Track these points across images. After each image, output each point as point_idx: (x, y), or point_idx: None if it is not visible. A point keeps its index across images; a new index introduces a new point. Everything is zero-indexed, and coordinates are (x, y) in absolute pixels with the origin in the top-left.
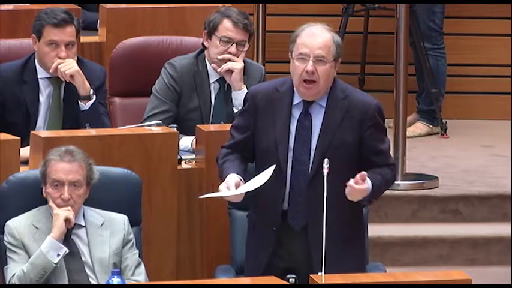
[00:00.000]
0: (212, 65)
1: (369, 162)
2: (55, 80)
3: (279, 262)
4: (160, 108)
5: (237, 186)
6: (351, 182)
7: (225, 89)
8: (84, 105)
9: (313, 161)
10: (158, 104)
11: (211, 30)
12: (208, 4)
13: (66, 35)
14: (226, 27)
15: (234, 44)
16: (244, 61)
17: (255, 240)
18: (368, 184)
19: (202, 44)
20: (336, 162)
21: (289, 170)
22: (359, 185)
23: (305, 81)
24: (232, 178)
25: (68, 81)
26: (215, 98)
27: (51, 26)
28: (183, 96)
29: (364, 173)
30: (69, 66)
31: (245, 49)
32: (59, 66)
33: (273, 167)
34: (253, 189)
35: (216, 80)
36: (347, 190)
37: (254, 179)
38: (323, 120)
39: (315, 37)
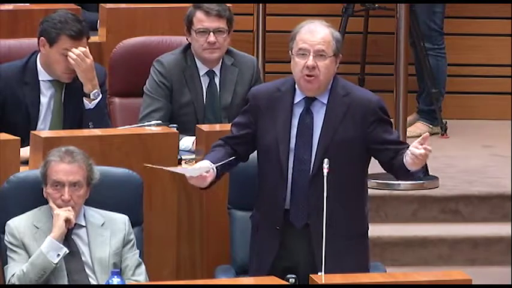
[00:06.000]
0: (202, 56)
1: (383, 154)
2: (57, 82)
3: (282, 262)
4: (153, 106)
5: (203, 170)
6: (415, 148)
7: (215, 81)
8: (89, 104)
9: (315, 159)
10: (151, 102)
11: (188, 26)
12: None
13: (80, 45)
14: (199, 18)
15: (211, 33)
16: (234, 53)
17: (259, 241)
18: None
19: (187, 40)
20: (338, 159)
21: (291, 168)
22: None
23: (306, 75)
24: (202, 162)
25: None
26: (206, 91)
27: (68, 37)
28: (174, 92)
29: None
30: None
31: (225, 36)
32: (73, 57)
33: (231, 158)
34: (197, 173)
35: (205, 73)
36: (412, 157)
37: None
38: (324, 118)
39: (314, 33)
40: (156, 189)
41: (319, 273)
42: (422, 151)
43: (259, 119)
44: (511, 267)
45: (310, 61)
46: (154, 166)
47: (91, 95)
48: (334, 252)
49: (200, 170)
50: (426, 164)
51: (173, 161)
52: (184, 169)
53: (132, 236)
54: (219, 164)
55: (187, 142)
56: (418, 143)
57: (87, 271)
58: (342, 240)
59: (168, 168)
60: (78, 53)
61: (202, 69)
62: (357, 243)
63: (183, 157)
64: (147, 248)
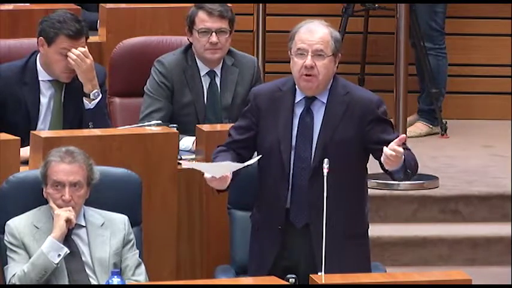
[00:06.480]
0: (204, 56)
1: (380, 154)
2: (57, 82)
3: (282, 261)
4: (154, 107)
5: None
6: (389, 148)
7: (216, 82)
8: (89, 104)
9: (314, 158)
10: (151, 102)
11: (190, 26)
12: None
13: (79, 45)
14: (202, 18)
15: (214, 33)
16: (235, 53)
17: (259, 241)
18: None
19: (188, 40)
20: (337, 158)
21: (292, 167)
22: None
23: (304, 74)
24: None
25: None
26: (207, 92)
27: (66, 37)
28: (175, 92)
29: (403, 136)
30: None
31: (227, 36)
32: (73, 57)
33: (258, 157)
34: (233, 170)
35: (206, 73)
36: (383, 157)
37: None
38: (324, 116)
39: (313, 33)
40: (156, 189)
41: (319, 273)
42: (393, 152)
43: (260, 119)
44: (511, 267)
45: (309, 61)
46: (188, 164)
47: (91, 95)
48: (334, 252)
49: (228, 167)
50: (406, 167)
51: (173, 161)
52: (207, 166)
53: (132, 236)
54: (245, 165)
55: (187, 142)
56: (395, 143)
57: (88, 271)
58: (342, 240)
59: (193, 166)
60: (78, 53)
61: (203, 70)
62: (357, 243)
63: (183, 157)
64: (147, 248)
